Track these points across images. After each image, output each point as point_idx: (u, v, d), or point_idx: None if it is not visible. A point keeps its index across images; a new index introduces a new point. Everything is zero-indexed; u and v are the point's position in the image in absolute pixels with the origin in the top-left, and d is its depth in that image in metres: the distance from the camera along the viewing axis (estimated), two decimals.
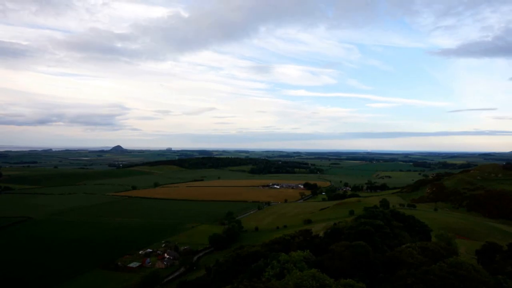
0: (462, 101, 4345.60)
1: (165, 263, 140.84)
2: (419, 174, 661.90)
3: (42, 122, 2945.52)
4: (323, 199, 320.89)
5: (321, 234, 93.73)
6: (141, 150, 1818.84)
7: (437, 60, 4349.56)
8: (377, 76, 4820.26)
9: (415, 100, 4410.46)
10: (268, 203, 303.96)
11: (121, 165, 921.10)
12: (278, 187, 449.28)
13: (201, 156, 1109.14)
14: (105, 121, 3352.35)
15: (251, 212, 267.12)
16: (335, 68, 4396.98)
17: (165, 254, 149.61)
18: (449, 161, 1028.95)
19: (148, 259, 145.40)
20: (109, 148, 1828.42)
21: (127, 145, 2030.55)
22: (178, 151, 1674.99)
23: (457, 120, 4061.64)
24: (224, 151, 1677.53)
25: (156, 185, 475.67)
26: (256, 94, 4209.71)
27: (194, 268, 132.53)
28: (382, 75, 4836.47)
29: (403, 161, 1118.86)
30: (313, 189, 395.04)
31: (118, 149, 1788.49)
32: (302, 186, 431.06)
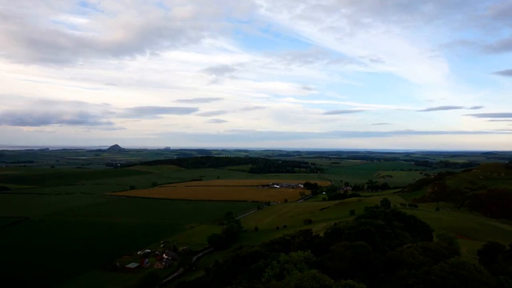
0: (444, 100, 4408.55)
1: (163, 263, 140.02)
2: (421, 173, 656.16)
3: (39, 121, 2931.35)
4: (324, 199, 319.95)
5: (321, 234, 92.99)
6: (139, 149, 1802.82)
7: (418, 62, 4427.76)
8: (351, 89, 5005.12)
9: (395, 105, 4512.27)
10: (268, 203, 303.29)
11: (119, 164, 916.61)
12: (278, 186, 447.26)
13: (200, 156, 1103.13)
14: (102, 120, 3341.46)
15: (251, 212, 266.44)
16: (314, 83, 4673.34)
17: (164, 255, 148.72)
18: (451, 160, 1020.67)
19: (147, 260, 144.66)
20: (107, 147, 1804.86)
21: (125, 144, 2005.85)
22: (176, 150, 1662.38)
23: (437, 119, 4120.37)
24: (224, 150, 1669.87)
25: (154, 184, 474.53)
26: (254, 100, 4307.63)
27: (193, 268, 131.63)
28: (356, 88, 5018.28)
29: (404, 160, 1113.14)
30: (314, 189, 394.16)
31: (115, 148, 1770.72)
32: (302, 186, 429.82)
